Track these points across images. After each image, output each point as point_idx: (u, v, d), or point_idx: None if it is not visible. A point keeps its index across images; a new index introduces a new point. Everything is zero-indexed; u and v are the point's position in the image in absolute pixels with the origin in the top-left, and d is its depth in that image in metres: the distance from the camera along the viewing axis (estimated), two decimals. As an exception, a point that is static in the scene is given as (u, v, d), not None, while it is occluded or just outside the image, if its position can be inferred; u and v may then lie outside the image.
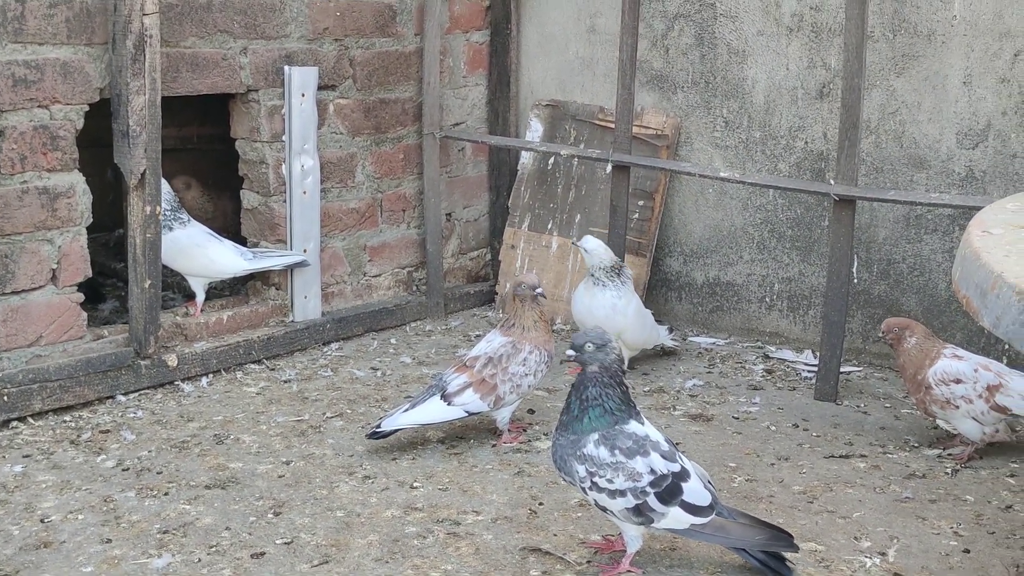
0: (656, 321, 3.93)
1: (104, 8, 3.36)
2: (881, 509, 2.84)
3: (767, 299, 4.26)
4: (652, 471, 2.38)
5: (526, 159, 4.65)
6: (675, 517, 2.39)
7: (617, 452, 2.39)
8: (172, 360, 3.61)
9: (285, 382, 3.72)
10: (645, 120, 4.35)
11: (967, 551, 2.62)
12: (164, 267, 3.63)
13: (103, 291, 4.28)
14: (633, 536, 2.46)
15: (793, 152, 4.11)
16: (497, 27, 4.67)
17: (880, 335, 3.27)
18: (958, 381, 3.07)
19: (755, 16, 4.12)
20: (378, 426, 3.11)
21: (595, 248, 3.66)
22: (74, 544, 2.59)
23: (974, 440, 3.13)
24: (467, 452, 3.18)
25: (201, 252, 3.82)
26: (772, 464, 3.13)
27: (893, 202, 3.65)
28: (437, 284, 4.51)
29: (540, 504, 2.84)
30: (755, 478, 3.03)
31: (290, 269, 4.01)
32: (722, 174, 3.92)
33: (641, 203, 4.36)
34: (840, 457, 3.18)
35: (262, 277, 4.07)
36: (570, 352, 2.47)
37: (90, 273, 3.49)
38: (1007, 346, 3.57)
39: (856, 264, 3.90)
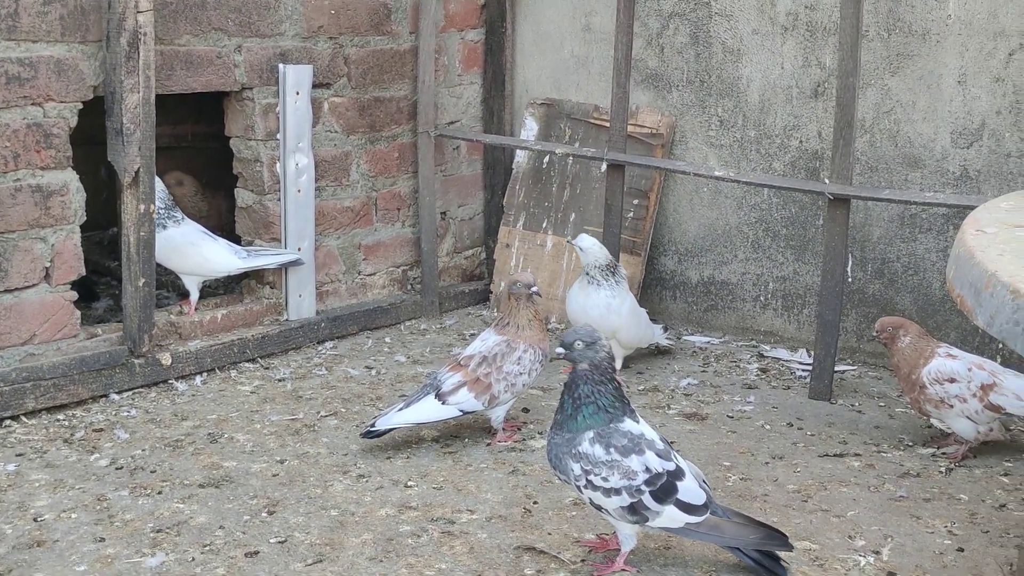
0: (651, 320, 3.93)
1: (98, 6, 3.36)
2: (875, 508, 2.84)
3: (762, 298, 4.26)
4: (647, 469, 2.38)
5: (521, 158, 4.64)
6: (670, 516, 2.39)
7: (612, 450, 2.39)
8: (166, 359, 3.61)
9: (279, 381, 3.72)
10: (640, 119, 4.35)
11: (961, 550, 2.62)
12: (158, 265, 3.62)
13: (97, 289, 4.28)
14: (627, 535, 2.46)
15: (788, 151, 4.11)
16: (492, 25, 4.67)
17: (874, 334, 3.27)
18: (952, 380, 3.08)
19: (750, 15, 4.13)
20: (372, 425, 3.10)
21: (590, 247, 3.66)
22: (67, 543, 2.58)
23: (968, 439, 3.14)
24: (462, 451, 3.18)
25: (195, 250, 3.81)
26: (766, 463, 3.13)
27: (888, 201, 3.65)
28: (432, 283, 4.51)
29: (534, 503, 2.84)
30: (749, 477, 3.03)
31: (284, 268, 4.01)
32: (717, 173, 3.92)
33: (636, 202, 4.36)
34: (834, 456, 3.19)
35: (256, 276, 4.06)
36: (560, 350, 2.48)
37: (84, 271, 3.49)
38: (1001, 345, 3.58)
39: (850, 263, 3.91)
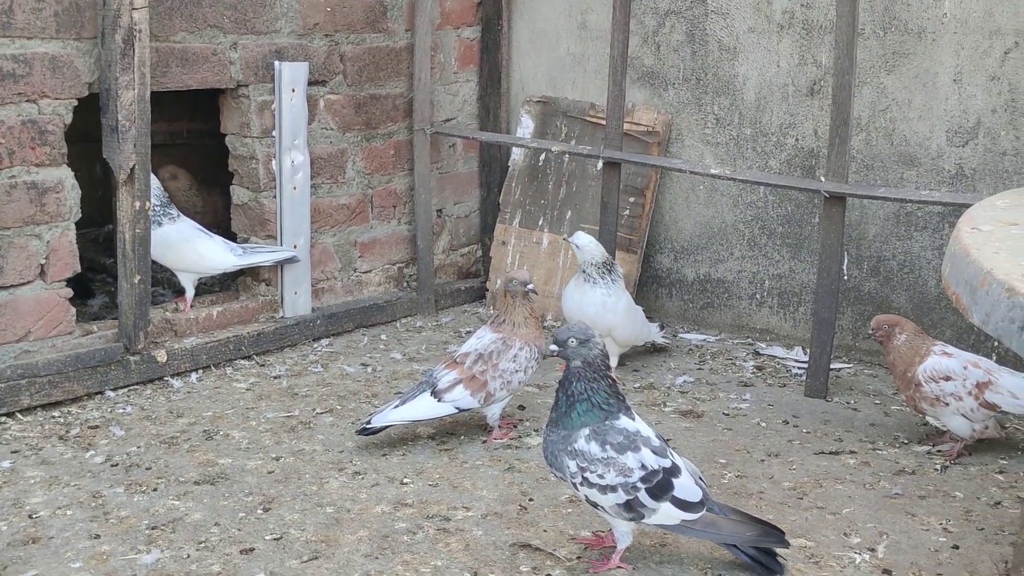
0: (647, 318, 3.93)
1: (93, 2, 3.35)
2: (871, 505, 2.85)
3: (757, 296, 4.26)
4: (643, 467, 2.38)
5: (517, 155, 4.64)
6: (666, 513, 2.40)
7: (608, 447, 2.39)
8: (162, 356, 3.60)
9: (275, 378, 3.72)
10: (636, 117, 4.35)
11: (956, 547, 2.63)
12: (153, 263, 3.62)
13: (92, 287, 4.27)
14: (623, 532, 2.46)
15: (784, 149, 4.11)
16: (488, 23, 4.67)
17: (870, 332, 3.27)
18: (948, 378, 3.08)
19: (746, 13, 4.13)
20: (368, 422, 3.10)
21: (586, 244, 3.65)
22: (62, 540, 2.58)
23: (963, 437, 3.14)
24: (457, 448, 3.18)
25: (190, 248, 3.81)
26: (762, 460, 3.14)
27: (883, 199, 3.65)
28: (428, 280, 4.51)
29: (530, 500, 2.84)
30: (745, 474, 3.03)
31: (280, 265, 4.00)
32: (713, 171, 3.93)
33: (632, 200, 4.36)
34: (830, 453, 3.19)
35: (252, 273, 4.06)
36: (553, 347, 2.48)
37: (79, 268, 3.48)
38: (996, 343, 3.58)
39: (846, 261, 3.91)
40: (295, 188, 3.99)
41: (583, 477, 2.40)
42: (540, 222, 4.55)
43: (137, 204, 3.44)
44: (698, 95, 4.28)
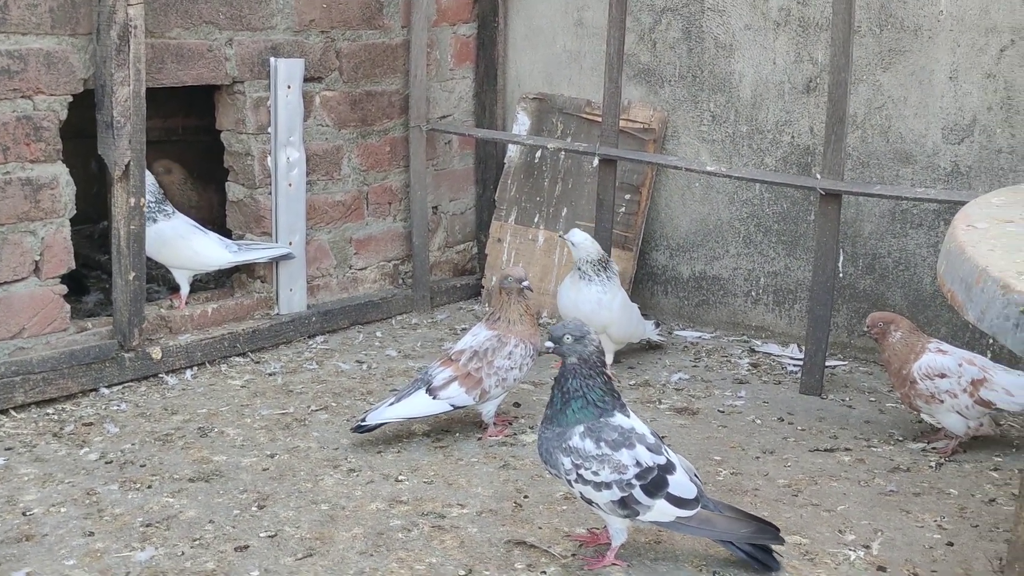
0: (642, 315, 3.93)
1: (88, -2, 3.34)
2: (865, 502, 2.85)
3: (753, 293, 4.26)
4: (638, 463, 2.38)
5: (513, 152, 4.64)
6: (661, 510, 2.40)
7: (603, 444, 2.39)
8: (156, 353, 3.60)
9: (270, 375, 3.71)
10: (632, 114, 4.35)
11: (951, 544, 2.63)
12: (148, 259, 3.61)
13: (87, 283, 4.26)
14: (618, 529, 2.46)
15: (779, 146, 4.11)
16: (484, 20, 4.66)
17: (865, 329, 3.28)
18: (943, 375, 3.08)
19: (742, 10, 4.12)
20: (363, 420, 3.10)
21: (582, 242, 3.65)
22: (56, 537, 2.57)
23: (958, 434, 3.14)
24: (452, 445, 3.18)
25: (185, 244, 3.80)
26: (757, 457, 3.14)
27: (879, 196, 3.65)
28: (423, 277, 4.50)
29: (525, 497, 2.84)
30: (740, 471, 3.03)
31: (275, 262, 4.00)
32: (709, 168, 3.92)
33: (628, 197, 4.35)
34: (825, 451, 3.19)
35: (247, 270, 4.05)
36: (549, 344, 2.48)
37: (73, 265, 3.47)
38: (992, 340, 3.58)
39: (842, 258, 3.91)
40: (290, 185, 3.99)
41: (578, 474, 2.40)
42: (536, 219, 4.54)
43: (132, 200, 3.44)
44: (694, 92, 4.28)
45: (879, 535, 2.67)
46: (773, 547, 2.48)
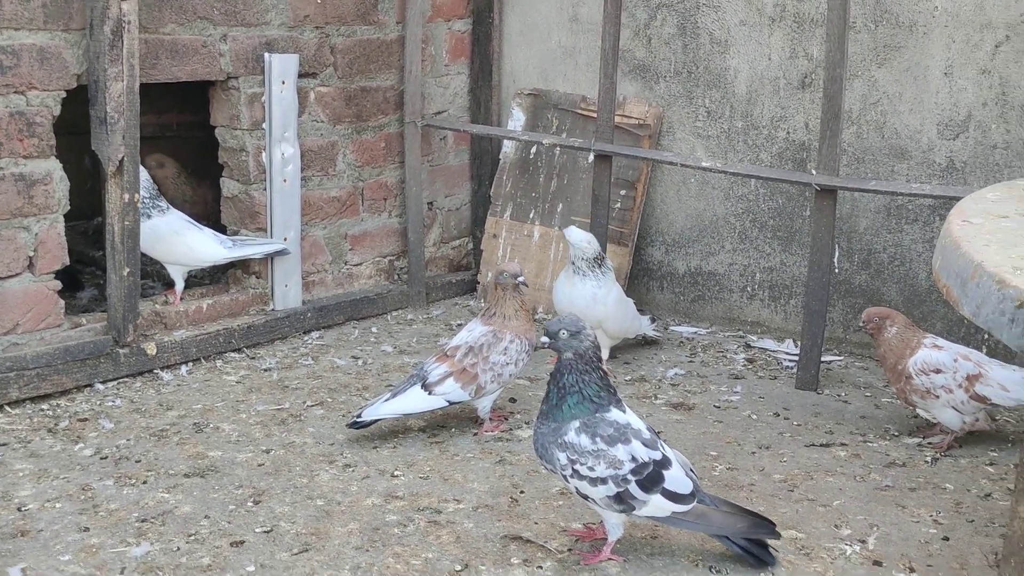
0: (638, 311, 3.93)
1: (82, -7, 3.33)
2: (861, 497, 2.85)
3: (749, 288, 4.26)
4: (633, 459, 2.38)
5: (508, 148, 4.63)
6: (657, 505, 2.40)
7: (598, 440, 2.39)
8: (151, 348, 3.59)
9: (265, 371, 3.71)
10: (627, 110, 4.34)
11: (946, 539, 2.63)
12: (143, 255, 3.60)
13: (81, 279, 4.25)
14: (614, 524, 2.46)
15: (775, 142, 4.11)
16: (479, 15, 4.66)
17: (861, 324, 3.28)
18: (938, 371, 3.09)
19: (737, 6, 4.12)
20: (359, 415, 3.10)
21: (580, 240, 3.64)
22: (51, 532, 2.57)
23: (954, 429, 3.15)
24: (448, 441, 3.18)
25: (180, 240, 3.80)
26: (753, 452, 3.14)
27: (874, 192, 3.65)
28: (419, 273, 4.50)
29: (521, 492, 2.84)
30: (736, 466, 3.03)
31: (270, 257, 3.99)
32: (704, 164, 3.92)
33: (623, 192, 4.35)
34: (821, 446, 3.19)
35: (242, 265, 4.05)
36: (544, 339, 2.48)
37: (67, 261, 3.46)
38: (987, 335, 3.59)
39: (837, 254, 3.92)
40: (285, 180, 3.98)
41: (573, 469, 2.40)
42: (531, 215, 4.54)
43: (126, 196, 3.43)
44: (689, 88, 4.28)
45: (875, 530, 2.67)
46: (769, 542, 2.48)
